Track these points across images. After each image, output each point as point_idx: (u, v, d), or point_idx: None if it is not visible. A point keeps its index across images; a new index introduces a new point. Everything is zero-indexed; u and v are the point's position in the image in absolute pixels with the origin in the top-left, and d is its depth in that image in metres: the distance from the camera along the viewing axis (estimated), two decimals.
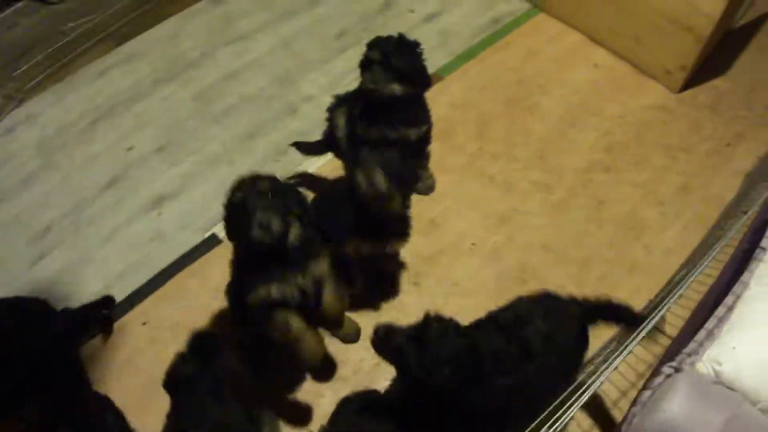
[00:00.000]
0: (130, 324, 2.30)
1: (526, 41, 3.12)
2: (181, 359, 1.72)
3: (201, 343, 1.76)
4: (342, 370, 2.16)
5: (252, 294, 1.75)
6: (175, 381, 1.70)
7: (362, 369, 2.16)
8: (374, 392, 2.00)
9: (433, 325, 1.51)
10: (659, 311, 1.80)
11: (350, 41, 3.16)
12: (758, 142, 2.72)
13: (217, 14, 3.39)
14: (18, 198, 2.70)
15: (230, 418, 1.68)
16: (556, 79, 2.96)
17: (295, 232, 1.71)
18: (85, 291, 2.37)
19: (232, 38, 3.25)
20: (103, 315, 2.31)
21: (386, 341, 1.56)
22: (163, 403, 1.90)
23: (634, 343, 1.75)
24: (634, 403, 1.61)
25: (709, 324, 1.63)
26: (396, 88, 2.06)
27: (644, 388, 1.62)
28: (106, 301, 2.32)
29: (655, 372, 1.63)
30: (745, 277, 1.71)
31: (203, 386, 1.66)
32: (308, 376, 2.15)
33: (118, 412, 1.92)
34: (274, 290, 1.74)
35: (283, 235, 1.67)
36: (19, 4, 3.41)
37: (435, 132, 2.70)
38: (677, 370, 1.55)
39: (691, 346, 1.59)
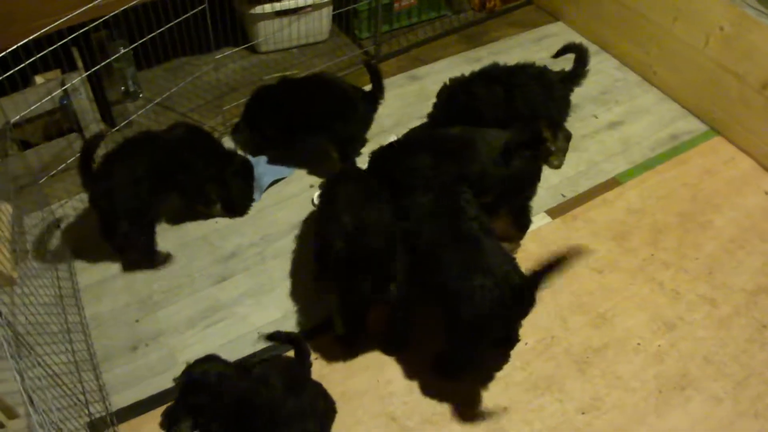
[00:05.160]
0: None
1: (702, 160, 3.36)
2: None
3: None
4: None
5: None
6: None
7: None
8: None
9: None
10: None
11: None
12: None
13: (412, 89, 3.82)
14: (210, 221, 3.04)
15: None
16: (728, 201, 3.17)
17: None
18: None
19: (425, 113, 3.63)
20: None
21: None
22: None
23: None
24: None
25: None
26: None
27: None
28: None
29: None
30: None
31: None
32: None
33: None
34: None
35: None
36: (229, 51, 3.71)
37: (611, 233, 3.00)
38: None
39: None
